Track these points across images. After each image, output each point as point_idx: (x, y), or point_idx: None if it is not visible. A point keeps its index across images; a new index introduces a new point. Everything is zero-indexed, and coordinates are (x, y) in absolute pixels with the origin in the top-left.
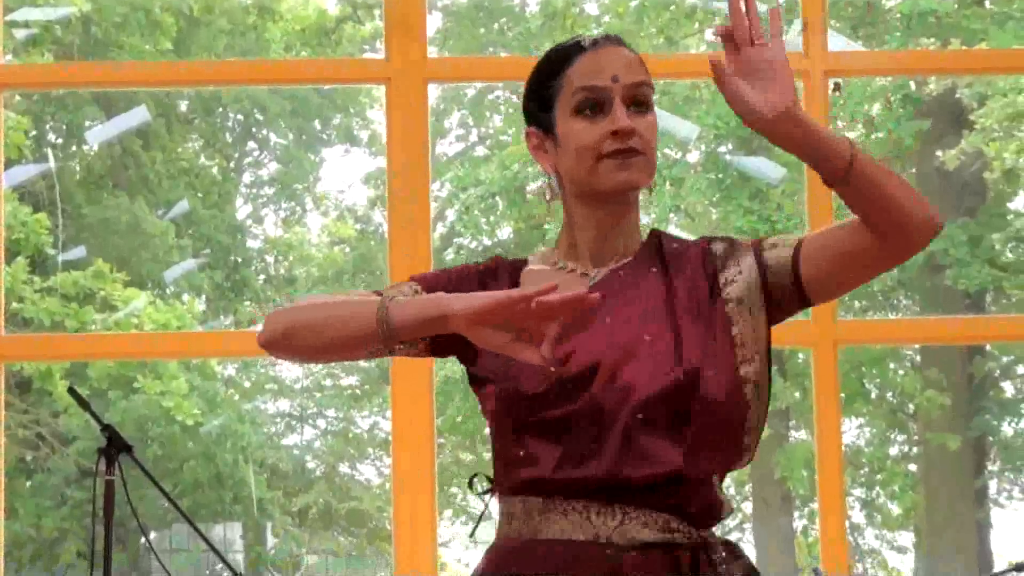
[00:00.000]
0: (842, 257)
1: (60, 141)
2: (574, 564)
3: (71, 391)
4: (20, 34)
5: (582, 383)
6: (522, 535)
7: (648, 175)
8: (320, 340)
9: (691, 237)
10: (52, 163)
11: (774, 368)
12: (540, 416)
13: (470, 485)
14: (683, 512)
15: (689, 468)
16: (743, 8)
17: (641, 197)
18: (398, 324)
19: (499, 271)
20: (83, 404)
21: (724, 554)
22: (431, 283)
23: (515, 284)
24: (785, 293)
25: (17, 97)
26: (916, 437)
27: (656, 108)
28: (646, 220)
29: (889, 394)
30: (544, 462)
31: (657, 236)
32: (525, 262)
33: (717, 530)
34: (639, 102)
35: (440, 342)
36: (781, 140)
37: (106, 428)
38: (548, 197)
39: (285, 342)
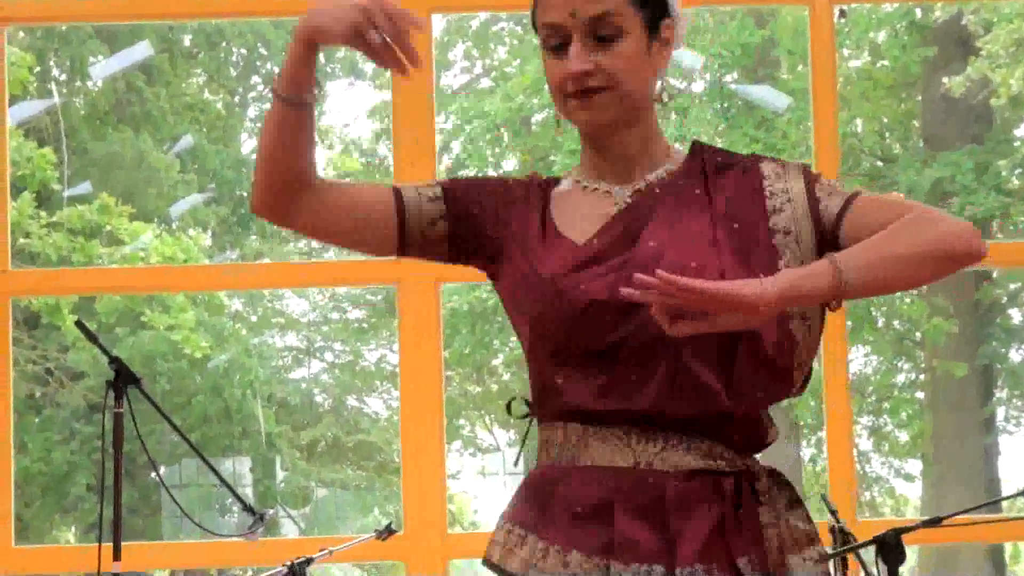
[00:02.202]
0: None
1: (64, 77)
2: (614, 491)
3: (79, 324)
4: None
5: (629, 311)
6: (560, 462)
7: (621, 107)
8: (263, 155)
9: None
10: (57, 99)
11: None
12: (583, 343)
13: (508, 409)
14: (728, 440)
15: (736, 405)
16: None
17: (658, 107)
18: (283, 78)
19: (531, 187)
20: (91, 337)
21: (768, 483)
22: (450, 181)
23: (545, 202)
24: (826, 243)
25: (20, 33)
26: (923, 365)
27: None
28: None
29: (896, 321)
30: (586, 391)
31: (700, 149)
32: (558, 180)
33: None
34: (604, 34)
35: (462, 250)
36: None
37: (114, 361)
38: (558, 117)
39: (257, 188)
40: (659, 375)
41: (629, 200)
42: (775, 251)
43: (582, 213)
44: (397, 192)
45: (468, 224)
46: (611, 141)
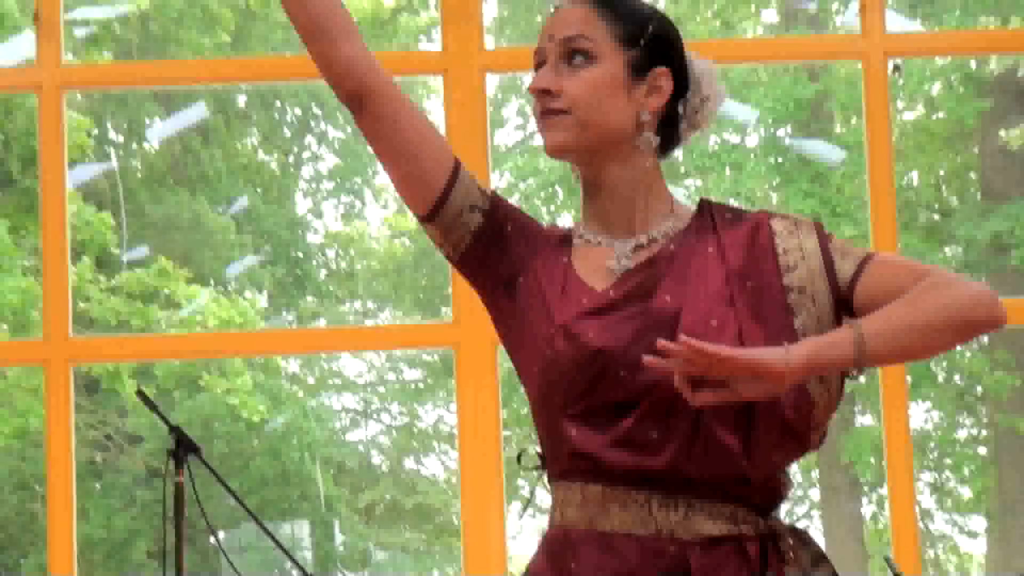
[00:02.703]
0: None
1: (121, 139)
2: (636, 563)
3: (140, 395)
4: (80, 33)
5: (645, 366)
6: (578, 526)
7: (578, 136)
8: (294, 18)
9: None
10: (115, 162)
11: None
12: (597, 392)
13: (518, 460)
14: (748, 501)
15: (754, 468)
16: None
17: (664, 163)
18: None
19: (553, 237)
20: (152, 407)
21: (792, 542)
22: (499, 197)
23: (569, 248)
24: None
25: (79, 96)
26: (985, 419)
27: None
28: (730, 202)
29: (956, 376)
30: (599, 442)
31: (709, 208)
32: (571, 234)
33: (785, 519)
34: (574, 57)
35: (479, 256)
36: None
37: (174, 430)
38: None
39: (316, 61)
40: (679, 434)
41: (631, 256)
42: (790, 310)
43: (593, 267)
44: (456, 158)
45: (499, 234)
46: (592, 177)
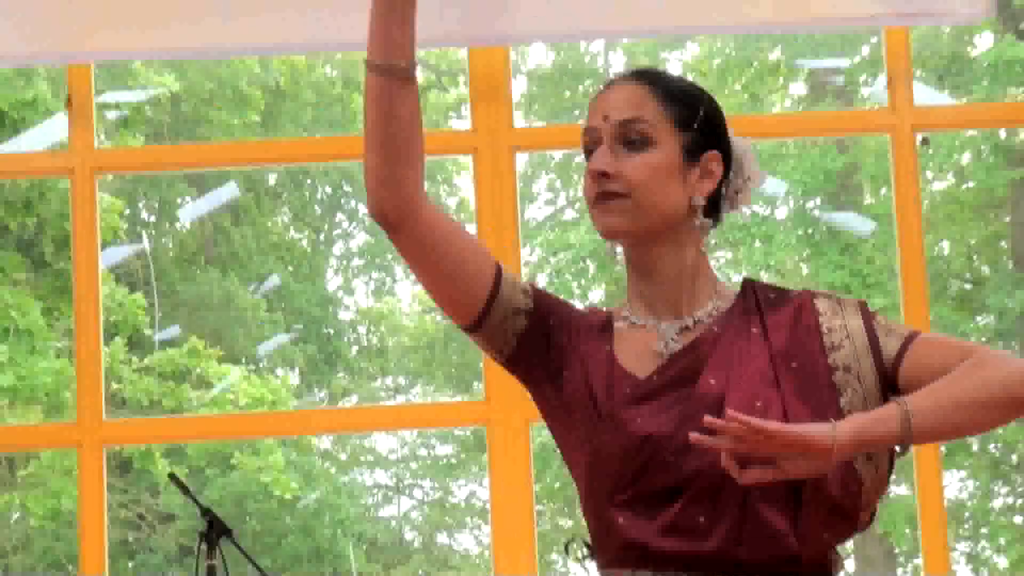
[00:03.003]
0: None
1: (153, 219)
2: None
3: (172, 478)
4: (112, 116)
5: (692, 450)
6: None
7: (635, 219)
8: (369, 139)
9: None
10: (146, 242)
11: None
12: (645, 479)
13: (566, 550)
14: None
15: (804, 549)
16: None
17: (711, 241)
18: (371, 42)
19: (595, 321)
20: (184, 490)
21: None
22: (539, 289)
23: (611, 336)
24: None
25: (110, 177)
26: (1021, 488)
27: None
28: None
29: (991, 445)
30: (649, 529)
31: (752, 288)
32: (613, 316)
33: None
34: (632, 140)
35: (527, 355)
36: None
37: (207, 512)
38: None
39: (368, 179)
40: (728, 518)
41: (677, 338)
42: (835, 389)
43: (636, 350)
44: (499, 264)
45: (544, 332)
46: (643, 259)
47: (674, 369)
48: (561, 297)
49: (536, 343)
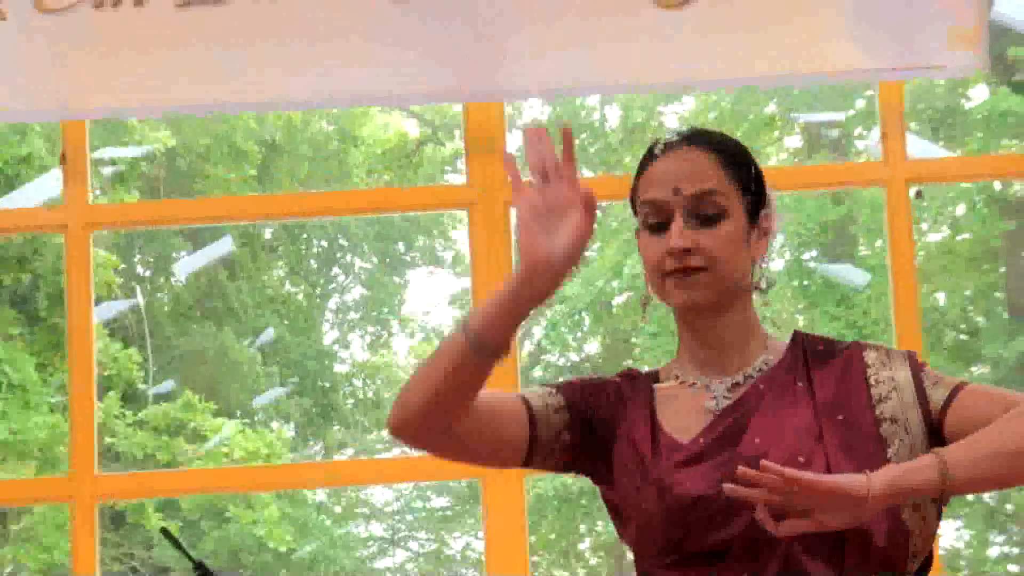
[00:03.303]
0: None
1: (148, 274)
2: None
3: (164, 532)
4: (107, 171)
5: (738, 509)
6: None
7: (717, 289)
8: (427, 386)
9: (841, 338)
10: (140, 297)
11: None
12: (692, 541)
13: None
14: None
15: None
16: None
17: (755, 296)
18: (480, 327)
19: (635, 386)
20: (175, 544)
21: None
22: (566, 387)
23: (650, 399)
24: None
25: (105, 232)
26: (1016, 537)
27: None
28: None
29: (987, 494)
30: None
31: (801, 341)
32: (657, 375)
33: None
34: (706, 212)
35: (581, 457)
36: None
37: (198, 566)
38: (643, 301)
39: (405, 412)
40: (772, 568)
41: (728, 395)
42: (882, 441)
43: (684, 409)
44: (527, 404)
45: (589, 432)
46: (707, 326)
47: (720, 428)
48: (589, 377)
49: (584, 442)
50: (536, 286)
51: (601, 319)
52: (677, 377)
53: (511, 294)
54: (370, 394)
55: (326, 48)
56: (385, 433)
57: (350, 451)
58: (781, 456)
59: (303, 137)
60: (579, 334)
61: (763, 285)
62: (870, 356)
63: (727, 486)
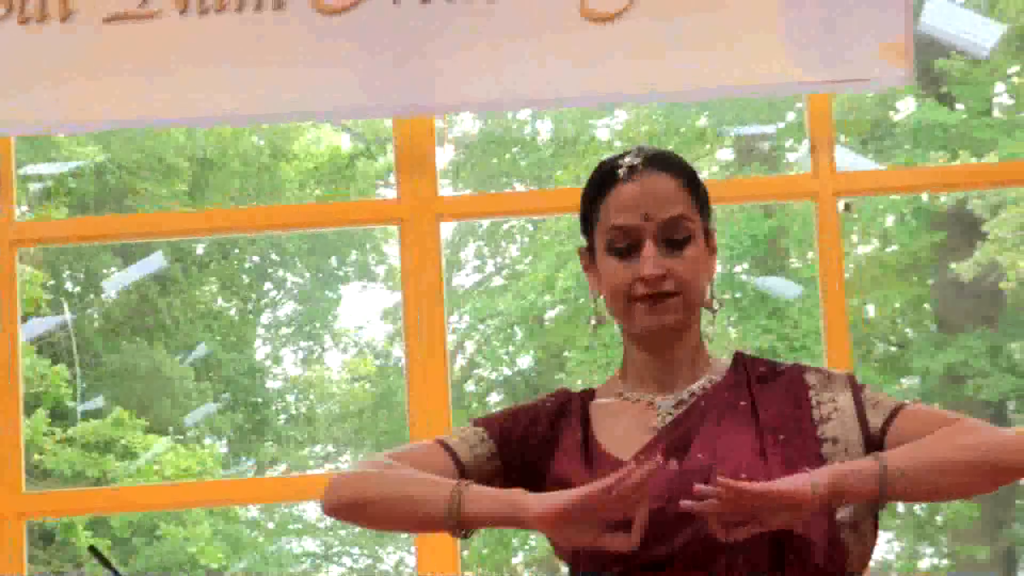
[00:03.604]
0: None
1: (77, 290)
2: None
3: (92, 550)
4: (34, 187)
5: (682, 522)
6: None
7: (686, 312)
8: (389, 517)
9: (782, 360)
10: (69, 314)
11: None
12: (640, 555)
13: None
14: None
15: None
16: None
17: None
18: (469, 517)
19: (569, 407)
20: (104, 562)
21: None
22: (497, 427)
23: (585, 419)
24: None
25: (33, 249)
26: (946, 549)
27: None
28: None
29: (917, 507)
30: None
31: (743, 362)
32: (593, 393)
33: None
34: (675, 238)
35: (512, 472)
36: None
37: None
38: (594, 322)
39: (352, 514)
40: None
41: (673, 411)
42: (823, 460)
43: (625, 427)
44: (455, 458)
45: (522, 467)
46: (665, 347)
47: (663, 444)
48: (518, 407)
49: (519, 479)
50: (534, 527)
51: (534, 333)
52: (620, 394)
53: (514, 511)
54: (303, 409)
55: (257, 63)
56: (319, 449)
57: (283, 467)
58: (726, 473)
59: (234, 152)
60: (511, 348)
61: (715, 306)
62: (811, 378)
63: (684, 503)
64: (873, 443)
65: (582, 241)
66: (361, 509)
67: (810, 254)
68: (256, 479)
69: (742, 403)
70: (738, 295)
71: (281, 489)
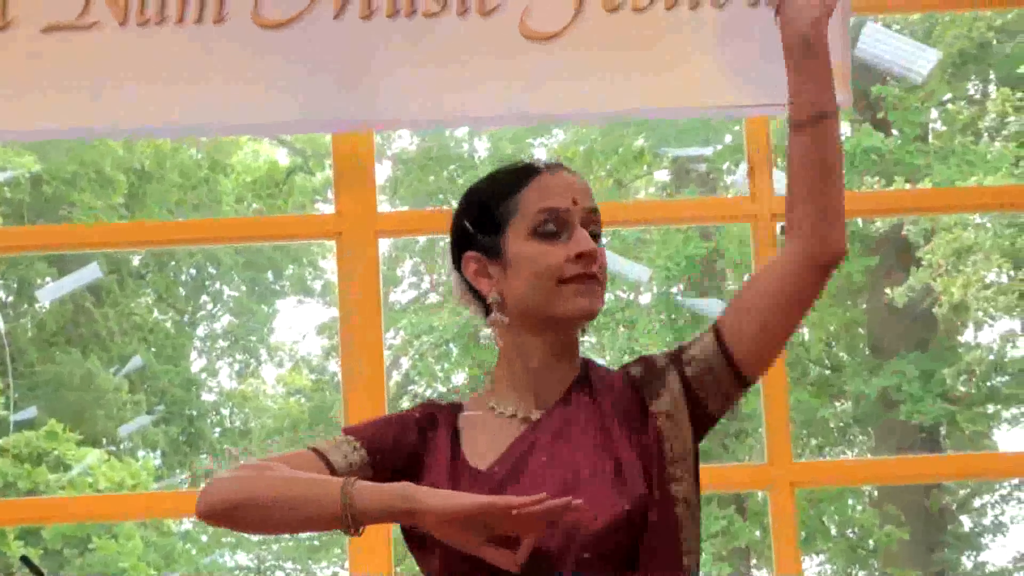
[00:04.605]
0: (762, 307)
1: (11, 299)
2: None
3: (24, 560)
4: None
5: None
6: None
7: (602, 303)
8: (269, 520)
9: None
10: (2, 323)
11: (732, 507)
12: (486, 570)
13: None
14: None
15: None
16: None
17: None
18: (361, 511)
19: (437, 418)
20: (36, 572)
21: None
22: (368, 436)
23: (454, 431)
24: (721, 382)
25: None
26: (877, 573)
27: (606, 250)
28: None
29: (849, 530)
30: None
31: (587, 367)
32: (461, 406)
33: None
34: (594, 230)
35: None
36: (813, 42)
37: None
38: (497, 335)
39: (226, 516)
40: None
41: (537, 424)
42: (661, 435)
43: (490, 438)
44: (329, 466)
45: (388, 460)
46: (567, 343)
47: (513, 453)
48: (389, 417)
49: (388, 471)
50: (424, 523)
51: (469, 350)
52: (493, 409)
53: (408, 505)
54: (237, 423)
55: (196, 76)
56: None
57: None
58: (568, 469)
59: (172, 164)
60: (446, 365)
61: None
62: (634, 370)
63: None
64: (715, 364)
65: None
66: (236, 511)
67: (746, 276)
68: (190, 492)
69: (584, 398)
70: (673, 316)
71: None
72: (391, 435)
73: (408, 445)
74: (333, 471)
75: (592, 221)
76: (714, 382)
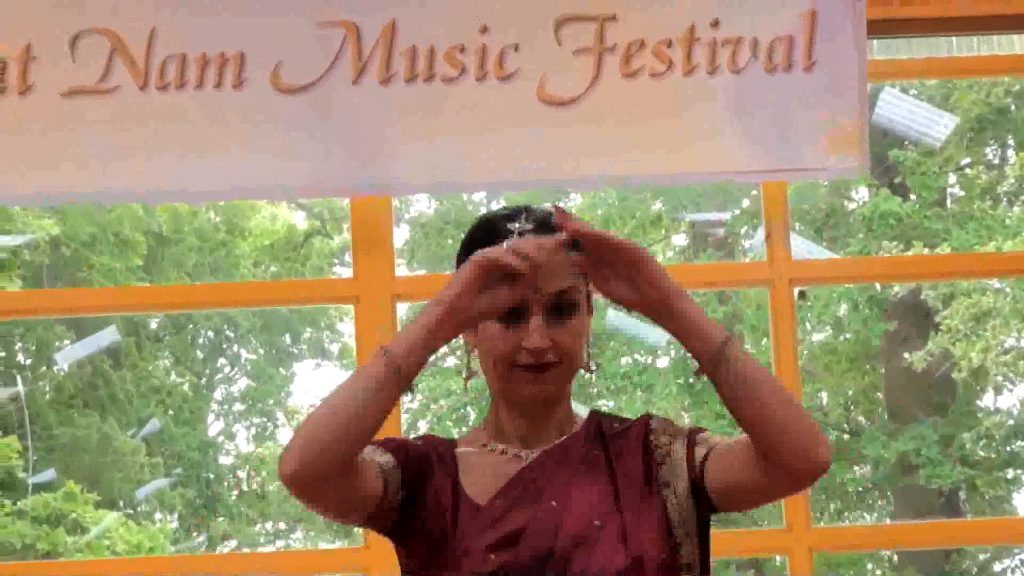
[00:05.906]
0: (735, 481)
1: (30, 362)
2: None
3: None
4: None
5: (534, 572)
6: None
7: (565, 382)
8: (341, 418)
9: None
10: (21, 385)
11: (751, 572)
12: (466, 567)
13: None
14: None
15: None
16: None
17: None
18: (405, 350)
19: (438, 449)
20: None
21: None
22: (381, 443)
23: (454, 464)
24: (699, 492)
25: None
26: None
27: (623, 314)
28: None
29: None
30: None
31: (598, 418)
32: (455, 443)
33: None
34: (561, 307)
35: (402, 518)
36: (657, 309)
37: None
38: (466, 375)
39: (312, 449)
40: None
41: (533, 461)
42: (663, 501)
43: (487, 474)
44: (372, 460)
45: (409, 463)
46: (540, 413)
47: (516, 490)
48: (399, 438)
49: (410, 502)
50: (455, 329)
51: (486, 413)
52: (485, 445)
53: (429, 330)
54: (255, 486)
55: (215, 140)
56: (270, 526)
57: (233, 543)
58: (578, 519)
59: (190, 228)
60: (463, 429)
61: (592, 367)
62: (654, 423)
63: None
64: (697, 478)
65: None
66: (313, 440)
67: (764, 341)
68: (207, 555)
69: (596, 452)
70: (690, 380)
71: (232, 565)
72: (408, 452)
73: (418, 459)
74: (377, 464)
75: (560, 301)
76: (699, 491)
